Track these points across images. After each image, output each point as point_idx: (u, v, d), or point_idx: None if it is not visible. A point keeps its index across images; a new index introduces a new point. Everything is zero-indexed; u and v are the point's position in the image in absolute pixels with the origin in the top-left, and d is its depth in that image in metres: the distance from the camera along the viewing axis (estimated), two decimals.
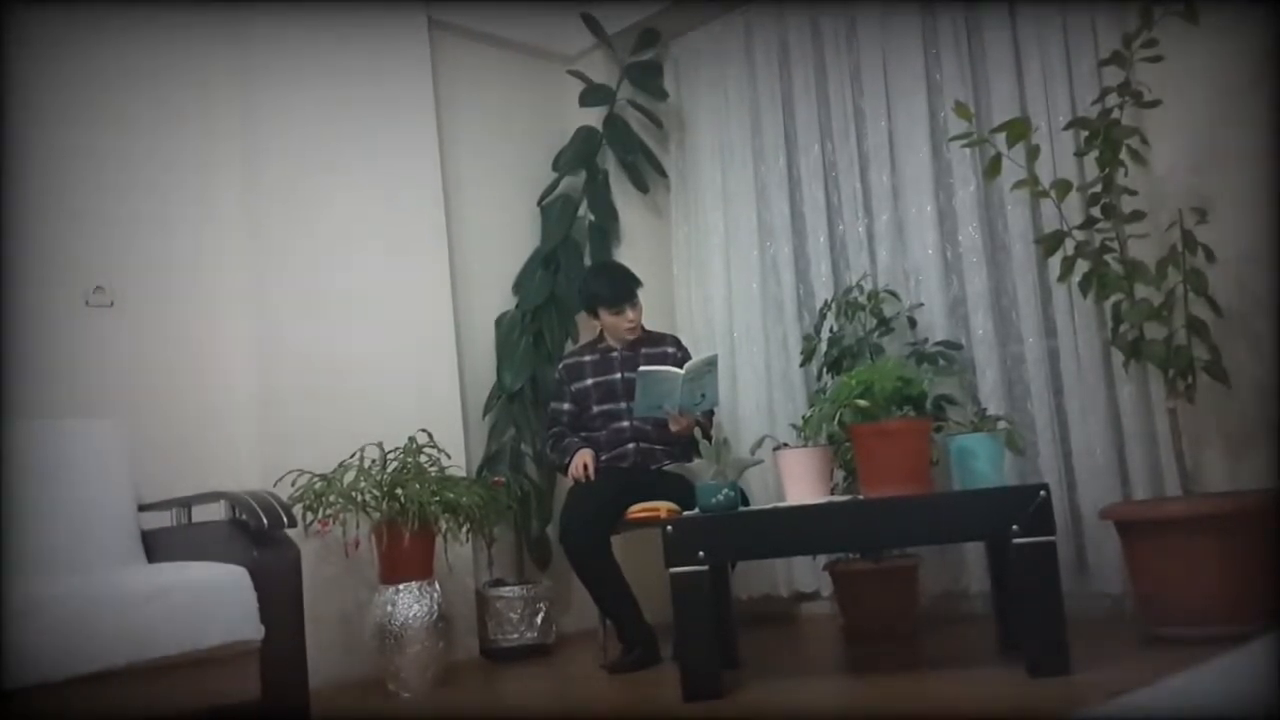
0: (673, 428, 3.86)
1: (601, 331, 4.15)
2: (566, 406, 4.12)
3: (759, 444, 3.73)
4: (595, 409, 4.06)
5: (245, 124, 4.20)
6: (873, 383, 3.06)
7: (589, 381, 4.09)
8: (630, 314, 4.04)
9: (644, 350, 4.08)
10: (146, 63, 4.06)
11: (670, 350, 4.12)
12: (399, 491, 3.66)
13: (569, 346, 4.65)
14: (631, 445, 4.00)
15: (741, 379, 4.82)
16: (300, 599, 3.04)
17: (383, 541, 3.69)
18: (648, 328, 4.18)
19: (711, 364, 3.82)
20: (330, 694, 3.65)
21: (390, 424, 3.93)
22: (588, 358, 4.15)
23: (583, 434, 4.08)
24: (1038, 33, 4.08)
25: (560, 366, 4.20)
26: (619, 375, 4.04)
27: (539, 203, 5.00)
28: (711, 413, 4.08)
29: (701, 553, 3.06)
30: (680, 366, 3.99)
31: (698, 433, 3.55)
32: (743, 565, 4.33)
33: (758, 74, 4.91)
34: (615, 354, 4.10)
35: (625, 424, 4.01)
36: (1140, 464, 3.77)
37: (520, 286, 4.85)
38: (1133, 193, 3.44)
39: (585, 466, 3.90)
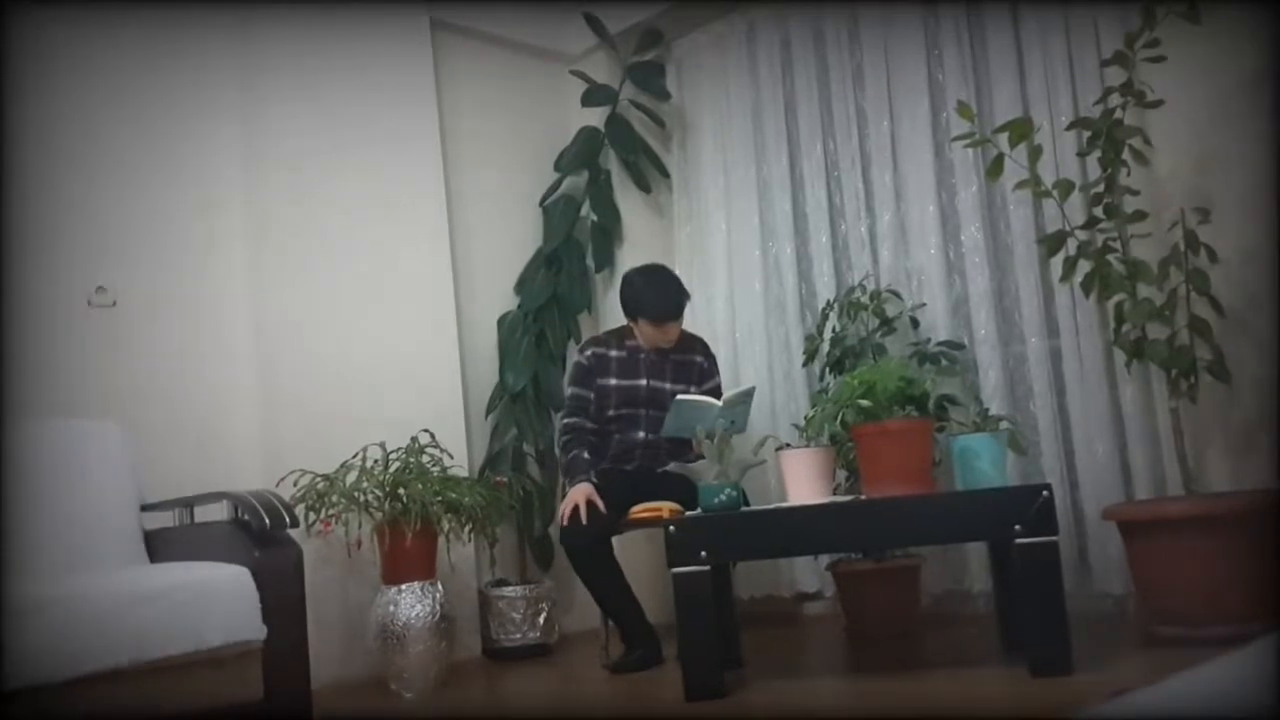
0: (696, 449, 3.83)
1: (635, 330, 4.02)
2: (591, 395, 3.96)
3: (761, 444, 3.72)
4: (612, 411, 3.96)
5: (247, 125, 4.21)
6: (875, 383, 3.06)
7: (612, 381, 3.96)
8: (671, 329, 3.90)
9: (673, 356, 3.98)
10: (148, 63, 4.06)
11: (698, 360, 4.02)
12: (401, 491, 3.66)
13: (571, 346, 4.65)
14: (638, 450, 3.98)
15: (744, 379, 4.80)
16: (302, 599, 3.04)
17: (385, 541, 3.69)
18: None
19: (748, 396, 3.74)
20: (332, 694, 3.65)
21: (392, 424, 3.93)
22: (614, 353, 4.00)
23: (595, 434, 3.99)
24: (1040, 33, 4.07)
25: (588, 353, 4.01)
26: (644, 381, 3.95)
27: (541, 203, 5.01)
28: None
29: (704, 553, 3.06)
30: (708, 377, 3.97)
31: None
32: (745, 565, 4.33)
33: (760, 74, 4.91)
34: (643, 356, 3.97)
35: (640, 434, 3.94)
36: (1143, 464, 3.77)
37: (522, 287, 4.85)
38: (1135, 193, 3.44)
39: (577, 508, 3.71)
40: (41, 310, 3.68)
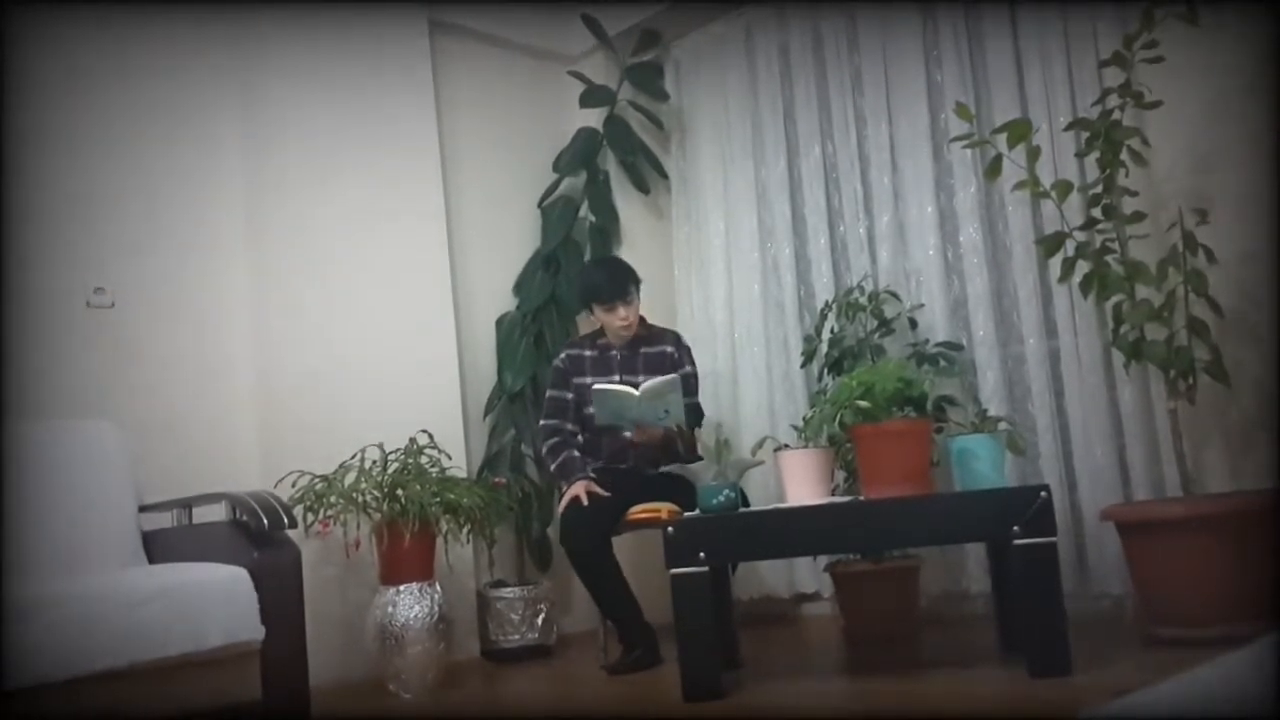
0: (635, 438, 3.85)
1: (602, 326, 4.12)
2: (570, 396, 4.02)
3: (760, 445, 3.72)
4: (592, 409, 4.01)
5: (246, 125, 4.21)
6: (873, 384, 3.06)
7: (588, 380, 4.00)
8: (623, 311, 3.94)
9: (643, 350, 4.03)
10: (148, 64, 4.07)
11: (669, 350, 4.06)
12: (400, 492, 3.66)
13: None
14: (630, 449, 3.97)
15: (742, 380, 4.82)
16: (301, 600, 3.04)
17: (383, 542, 3.68)
18: (650, 323, 4.15)
19: (674, 386, 3.71)
20: (331, 695, 3.64)
21: (391, 425, 3.92)
22: (589, 353, 4.07)
23: (585, 434, 4.04)
24: (1038, 34, 4.08)
25: (563, 355, 4.09)
26: (618, 378, 3.97)
27: (540, 204, 5.00)
28: (698, 425, 4.06)
29: (702, 554, 3.06)
30: (679, 368, 3.97)
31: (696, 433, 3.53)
32: (743, 566, 4.32)
33: (758, 76, 4.91)
34: (615, 354, 4.04)
35: (626, 433, 3.94)
36: (1141, 465, 3.77)
37: (521, 287, 4.85)
38: (1133, 193, 3.44)
39: (576, 498, 3.78)
40: (41, 311, 3.68)
